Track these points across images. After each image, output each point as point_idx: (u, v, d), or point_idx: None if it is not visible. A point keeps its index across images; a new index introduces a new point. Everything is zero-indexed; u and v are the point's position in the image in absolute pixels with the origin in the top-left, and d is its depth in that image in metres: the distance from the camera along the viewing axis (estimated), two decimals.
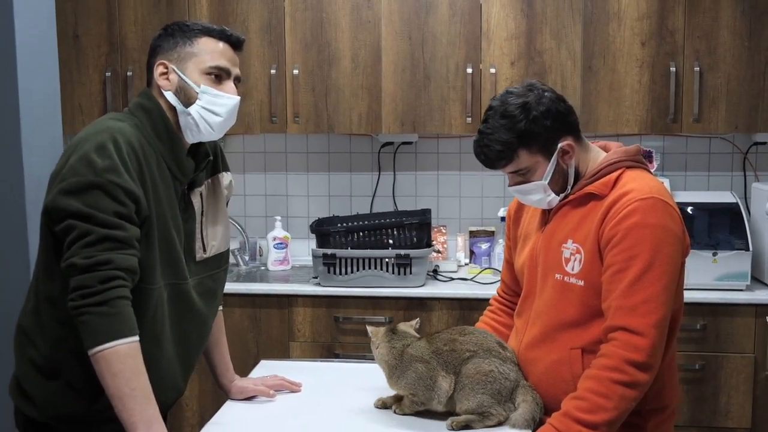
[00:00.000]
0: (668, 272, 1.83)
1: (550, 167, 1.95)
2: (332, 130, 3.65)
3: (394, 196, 4.03)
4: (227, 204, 2.16)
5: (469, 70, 3.52)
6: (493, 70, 3.51)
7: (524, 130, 1.91)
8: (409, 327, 2.09)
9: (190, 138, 1.93)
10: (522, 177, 1.98)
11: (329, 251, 3.44)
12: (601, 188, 1.93)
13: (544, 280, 2.01)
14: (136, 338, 1.72)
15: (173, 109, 1.90)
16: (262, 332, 3.51)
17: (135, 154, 1.79)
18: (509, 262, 2.27)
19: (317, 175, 4.09)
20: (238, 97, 1.95)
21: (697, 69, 3.41)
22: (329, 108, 3.63)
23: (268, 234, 3.90)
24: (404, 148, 3.99)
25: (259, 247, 4.04)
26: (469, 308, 3.35)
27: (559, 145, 1.95)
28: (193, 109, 1.89)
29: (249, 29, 3.62)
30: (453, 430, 1.90)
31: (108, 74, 3.68)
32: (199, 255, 2.00)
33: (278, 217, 3.92)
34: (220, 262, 2.09)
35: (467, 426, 1.90)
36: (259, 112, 3.67)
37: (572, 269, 1.94)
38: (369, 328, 2.11)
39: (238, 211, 4.11)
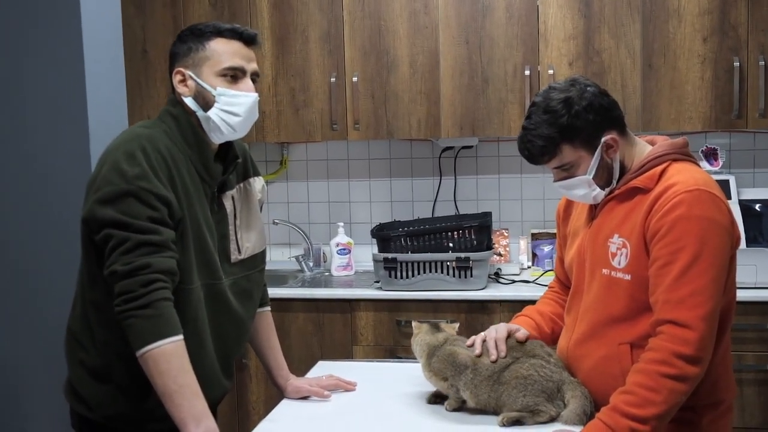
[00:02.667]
0: (716, 264, 1.80)
1: (594, 161, 1.94)
2: (392, 135, 3.69)
3: (455, 201, 4.04)
4: (261, 208, 2.20)
5: (527, 72, 3.52)
6: (551, 71, 3.50)
7: (567, 124, 1.91)
8: (451, 328, 2.15)
9: (216, 139, 1.98)
10: (566, 172, 1.97)
11: (390, 255, 3.47)
12: (647, 182, 1.91)
13: (592, 275, 2.00)
14: (180, 337, 1.77)
15: (194, 113, 1.95)
16: (326, 336, 3.56)
17: (164, 160, 1.85)
18: (561, 259, 2.27)
19: (379, 181, 4.13)
20: (256, 94, 1.97)
21: (762, 63, 3.33)
22: (389, 114, 3.67)
23: (332, 240, 3.96)
24: (464, 153, 4.01)
25: (323, 253, 4.10)
26: None
27: (603, 140, 1.93)
28: (212, 113, 1.93)
29: (309, 39, 3.70)
30: (504, 425, 1.90)
31: None
32: (234, 256, 2.05)
33: (341, 224, 3.98)
34: (255, 263, 2.13)
35: (518, 422, 1.90)
36: (320, 119, 3.73)
37: (619, 264, 1.92)
38: (414, 323, 2.18)
39: (301, 218, 4.18)
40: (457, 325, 2.19)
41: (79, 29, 2.67)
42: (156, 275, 1.76)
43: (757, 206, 3.31)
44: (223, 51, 1.93)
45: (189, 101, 1.94)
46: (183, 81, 1.95)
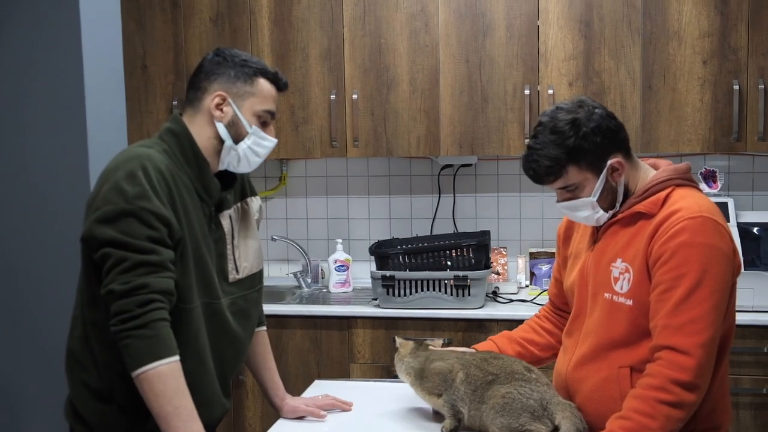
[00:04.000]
0: (717, 291, 1.79)
1: (599, 184, 1.94)
2: (391, 153, 3.70)
3: (454, 219, 4.04)
4: (258, 227, 2.21)
5: (527, 92, 3.53)
6: (551, 91, 3.51)
7: (574, 146, 1.90)
8: (435, 345, 2.17)
9: (223, 167, 2.00)
10: (570, 193, 1.97)
11: (388, 273, 3.47)
12: (650, 207, 1.91)
13: (594, 299, 2.00)
14: (176, 358, 1.77)
15: (217, 137, 1.96)
16: (323, 353, 3.55)
17: (164, 179, 1.84)
18: (558, 280, 2.27)
19: (378, 198, 4.13)
20: (276, 140, 2.04)
21: (761, 86, 3.34)
22: (388, 132, 3.68)
23: (330, 257, 3.95)
24: (464, 171, 4.01)
25: (321, 270, 4.10)
26: None
27: (609, 162, 1.93)
28: (240, 147, 1.97)
29: (309, 56, 3.71)
30: None
31: (175, 103, 3.81)
32: (232, 276, 2.05)
33: (340, 240, 3.97)
34: (253, 283, 2.13)
35: None
36: (319, 136, 3.74)
37: (621, 288, 1.92)
38: (398, 339, 2.18)
39: (300, 234, 4.18)
40: (440, 341, 2.20)
41: (79, 45, 2.68)
42: (153, 295, 1.75)
43: (755, 229, 3.31)
44: (267, 94, 2.00)
45: (220, 127, 1.95)
46: (221, 105, 1.96)
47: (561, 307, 2.28)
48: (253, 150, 1.98)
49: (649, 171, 2.01)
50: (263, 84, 1.99)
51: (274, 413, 2.29)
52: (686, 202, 1.88)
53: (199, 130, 1.96)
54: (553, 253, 3.80)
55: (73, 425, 1.98)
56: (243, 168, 2.01)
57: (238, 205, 2.11)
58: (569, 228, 2.22)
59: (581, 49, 3.50)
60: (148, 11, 3.82)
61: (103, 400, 1.90)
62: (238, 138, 1.96)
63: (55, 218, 2.73)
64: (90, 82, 2.71)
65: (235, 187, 2.09)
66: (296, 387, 2.47)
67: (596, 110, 1.94)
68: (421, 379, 2.07)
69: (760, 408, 3.19)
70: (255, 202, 2.18)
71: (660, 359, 1.79)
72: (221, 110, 1.95)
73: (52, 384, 2.54)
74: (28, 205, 2.76)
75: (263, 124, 2.00)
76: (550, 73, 3.53)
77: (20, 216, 2.76)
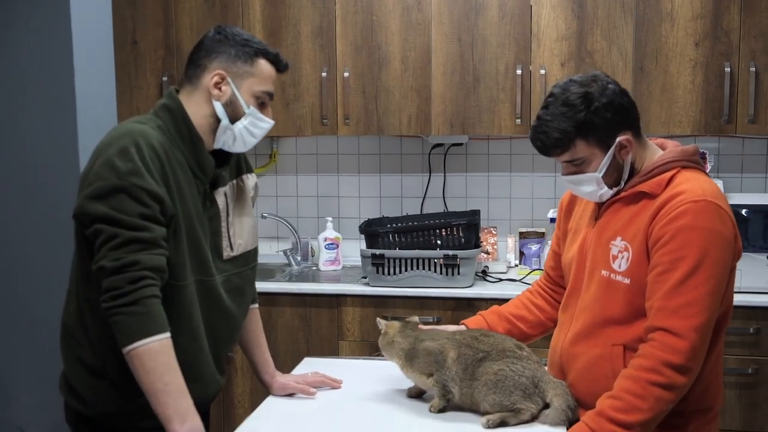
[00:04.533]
0: (715, 276, 1.80)
1: (606, 160, 1.92)
2: (382, 131, 3.69)
3: (444, 198, 4.04)
4: (253, 205, 2.20)
5: (519, 72, 3.52)
6: (543, 72, 3.50)
7: (584, 120, 1.88)
8: (414, 322, 2.16)
9: (218, 145, 1.99)
10: (576, 167, 1.95)
11: (378, 251, 3.48)
12: (654, 187, 1.90)
13: (591, 275, 2.00)
14: (167, 335, 1.76)
15: (213, 115, 1.94)
16: (312, 331, 3.55)
17: (157, 156, 1.83)
18: (556, 253, 2.26)
19: (368, 176, 4.13)
20: (273, 122, 2.03)
21: (753, 69, 3.34)
22: (379, 110, 3.67)
23: (320, 235, 3.96)
24: (454, 150, 4.01)
25: (311, 248, 4.10)
26: None
27: (618, 139, 1.91)
28: (236, 127, 1.96)
29: (301, 33, 3.69)
30: (489, 428, 1.91)
31: (165, 78, 3.78)
32: (227, 253, 2.04)
33: (329, 218, 3.97)
34: (247, 260, 2.12)
35: (503, 423, 1.90)
36: (310, 114, 3.72)
37: (619, 267, 1.92)
38: (382, 321, 2.16)
39: (290, 212, 4.18)
40: (416, 318, 2.18)
41: (68, 19, 2.66)
42: (144, 272, 1.74)
43: (743, 211, 3.33)
44: (267, 75, 1.98)
45: (218, 106, 1.94)
46: (219, 84, 1.94)
47: (557, 281, 2.28)
48: (249, 130, 1.97)
49: (656, 151, 2.00)
50: (263, 65, 1.97)
51: (264, 390, 2.30)
52: (690, 184, 1.87)
53: (196, 108, 1.94)
54: (543, 233, 3.81)
55: (68, 400, 1.98)
56: (238, 147, 2.00)
57: (234, 182, 2.10)
58: (572, 202, 2.21)
59: (574, 29, 3.49)
60: None
61: (96, 375, 1.90)
62: (235, 118, 1.95)
63: (45, 194, 2.72)
64: (79, 56, 2.69)
65: (231, 163, 2.08)
66: (285, 364, 2.48)
67: (609, 86, 1.92)
68: (412, 359, 2.06)
69: (744, 387, 3.22)
70: (251, 180, 2.17)
71: (653, 340, 1.80)
72: (219, 89, 1.94)
73: (47, 359, 2.53)
74: (17, 182, 2.74)
75: (261, 105, 1.99)
76: (542, 53, 3.52)
77: (9, 193, 2.75)
